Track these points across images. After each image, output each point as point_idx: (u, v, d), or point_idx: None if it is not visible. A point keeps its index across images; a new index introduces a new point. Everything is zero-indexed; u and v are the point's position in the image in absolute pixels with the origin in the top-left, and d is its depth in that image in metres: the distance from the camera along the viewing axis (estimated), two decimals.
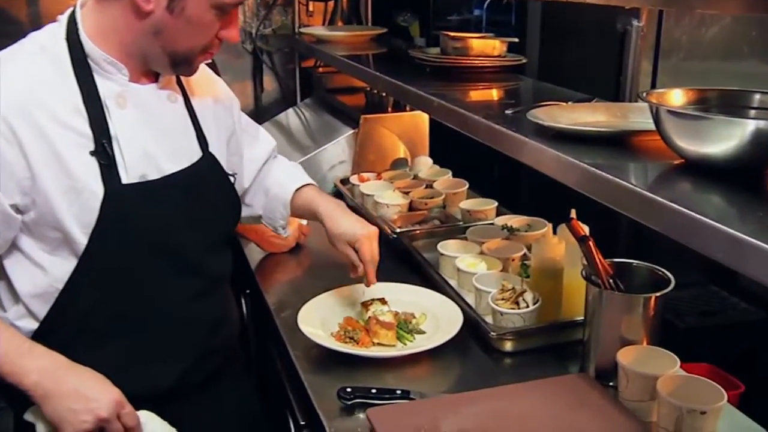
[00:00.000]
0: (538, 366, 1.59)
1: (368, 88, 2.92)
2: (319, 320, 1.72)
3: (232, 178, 1.56)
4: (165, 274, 1.42)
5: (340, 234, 1.67)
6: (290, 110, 3.31)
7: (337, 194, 2.60)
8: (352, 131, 2.79)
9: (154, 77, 1.45)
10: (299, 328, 1.67)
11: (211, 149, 1.51)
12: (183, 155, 1.46)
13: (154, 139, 1.40)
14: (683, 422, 1.26)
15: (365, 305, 1.75)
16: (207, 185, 1.49)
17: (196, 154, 1.48)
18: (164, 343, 1.44)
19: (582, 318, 1.55)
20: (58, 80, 1.33)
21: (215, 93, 1.61)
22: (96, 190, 1.33)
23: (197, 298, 1.47)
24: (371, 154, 2.80)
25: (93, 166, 1.33)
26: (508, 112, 1.49)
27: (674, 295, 1.45)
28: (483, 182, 2.52)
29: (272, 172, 1.82)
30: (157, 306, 1.42)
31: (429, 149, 2.86)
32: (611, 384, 1.47)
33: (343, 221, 1.68)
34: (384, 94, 2.84)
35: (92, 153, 1.33)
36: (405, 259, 2.11)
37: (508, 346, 1.64)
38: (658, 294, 1.43)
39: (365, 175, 2.63)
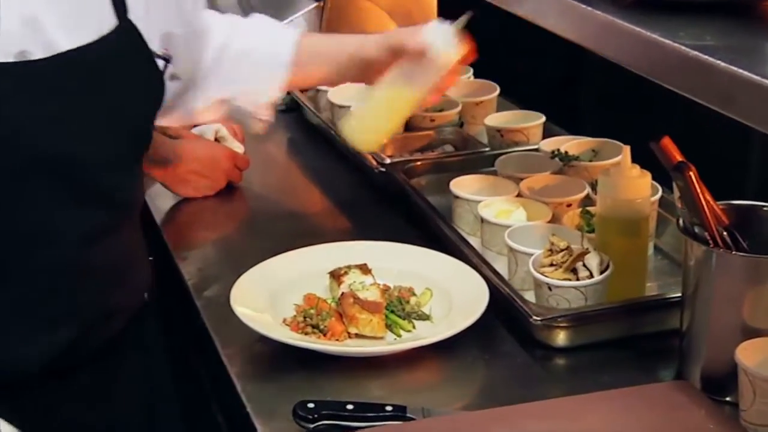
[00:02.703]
0: (609, 370, 1.60)
1: None
2: (265, 300, 1.74)
3: (161, 62, 1.57)
4: (43, 199, 1.43)
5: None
6: None
7: (291, 106, 2.65)
8: (315, 3, 2.77)
9: None
10: (234, 311, 1.67)
11: (132, 15, 1.51)
12: (87, 24, 1.46)
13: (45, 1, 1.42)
14: None
15: (336, 276, 1.75)
16: (120, 70, 1.51)
17: (107, 23, 1.49)
18: (40, 300, 1.46)
19: (678, 295, 1.56)
20: None
21: None
22: None
23: (95, 238, 1.49)
24: None
25: None
26: None
27: None
28: (522, 84, 2.53)
29: (240, 34, 1.89)
30: (30, 246, 1.44)
31: None
32: (728, 399, 1.48)
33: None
34: None
35: None
36: (398, 205, 2.14)
37: (561, 338, 1.65)
38: None
39: None
